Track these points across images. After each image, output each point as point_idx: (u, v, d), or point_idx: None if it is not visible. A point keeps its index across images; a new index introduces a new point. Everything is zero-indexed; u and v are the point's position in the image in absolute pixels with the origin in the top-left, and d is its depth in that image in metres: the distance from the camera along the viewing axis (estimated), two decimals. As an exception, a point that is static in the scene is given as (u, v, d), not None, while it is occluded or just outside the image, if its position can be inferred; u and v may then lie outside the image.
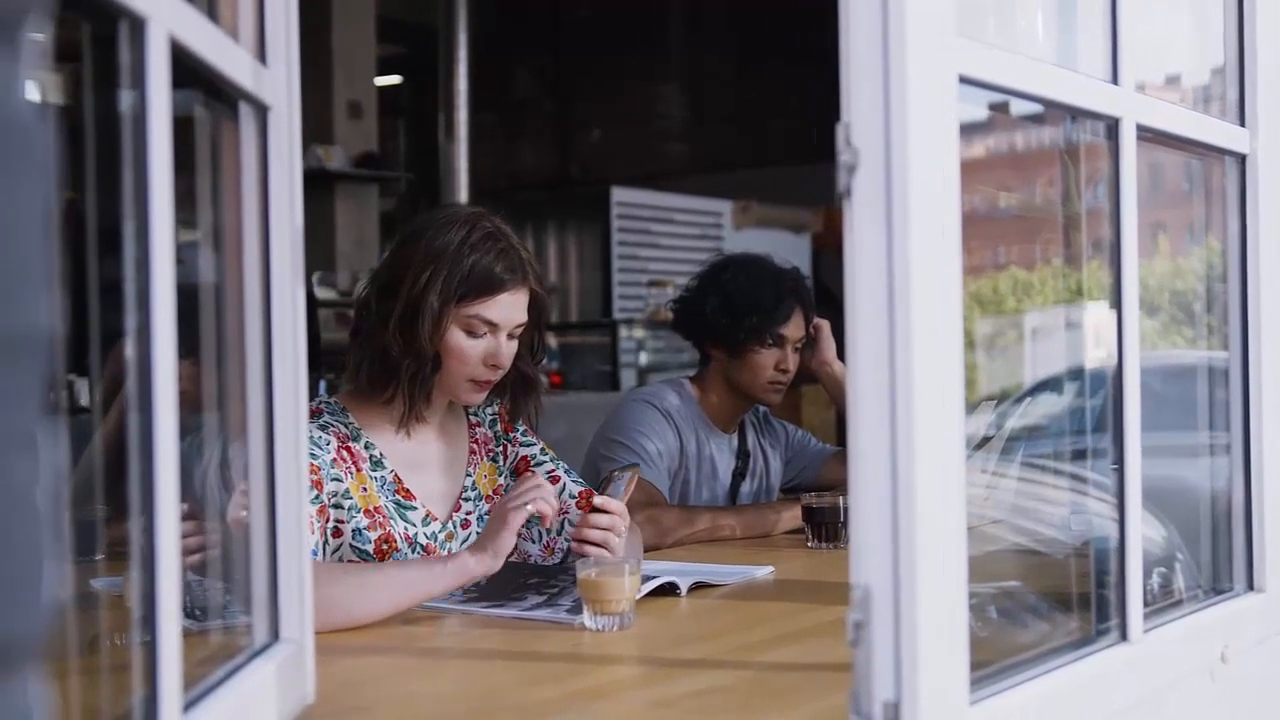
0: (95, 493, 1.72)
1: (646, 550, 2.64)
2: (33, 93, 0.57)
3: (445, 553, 2.22)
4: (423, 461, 2.28)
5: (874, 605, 1.17)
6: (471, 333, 2.18)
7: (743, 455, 3.13)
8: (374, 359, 2.19)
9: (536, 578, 2.11)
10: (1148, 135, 1.57)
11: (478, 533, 2.28)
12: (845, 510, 2.62)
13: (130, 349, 1.01)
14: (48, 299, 0.56)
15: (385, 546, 2.16)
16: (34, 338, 0.55)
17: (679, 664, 1.69)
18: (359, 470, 2.18)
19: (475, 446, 2.36)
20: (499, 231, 2.20)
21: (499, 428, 2.40)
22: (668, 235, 8.29)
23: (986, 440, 2.22)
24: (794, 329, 2.99)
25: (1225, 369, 1.88)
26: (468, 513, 2.31)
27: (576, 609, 1.89)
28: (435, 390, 2.24)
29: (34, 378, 0.55)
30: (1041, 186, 2.11)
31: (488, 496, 2.34)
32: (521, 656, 1.74)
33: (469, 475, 2.34)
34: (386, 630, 1.88)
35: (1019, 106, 1.53)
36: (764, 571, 2.33)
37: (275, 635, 1.36)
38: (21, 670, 0.54)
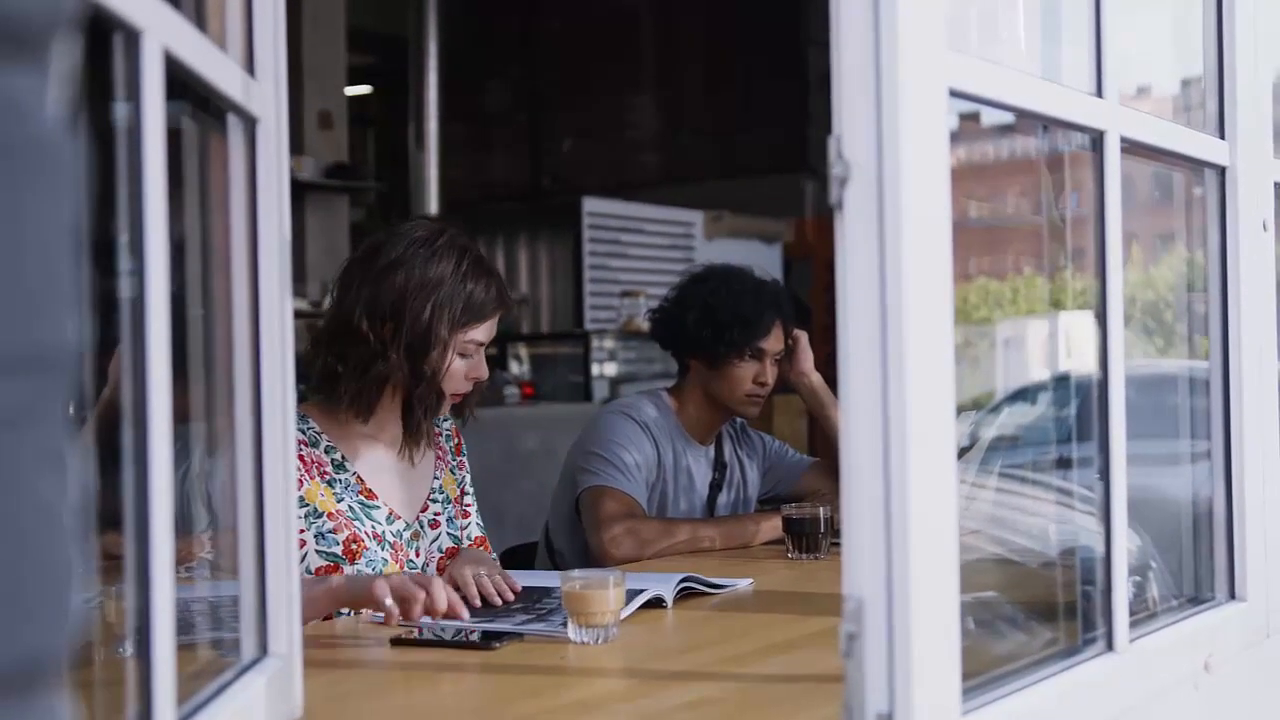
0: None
1: (626, 562, 2.64)
2: (60, 108, 0.56)
3: (413, 552, 2.31)
4: (388, 465, 2.33)
5: (867, 616, 1.17)
6: (464, 355, 2.28)
7: (720, 467, 3.13)
8: (374, 385, 2.24)
9: (521, 601, 2.10)
10: (1130, 147, 1.58)
11: (448, 533, 2.39)
12: (825, 521, 2.63)
13: (124, 361, 1.00)
14: (75, 315, 0.56)
15: (354, 546, 2.21)
16: (62, 354, 0.55)
17: (667, 676, 1.69)
18: (314, 478, 2.22)
19: (440, 452, 2.44)
20: (481, 256, 2.32)
21: (452, 444, 2.49)
22: (639, 245, 8.28)
23: (964, 451, 2.23)
24: (774, 342, 2.99)
25: (1198, 378, 1.89)
26: (435, 513, 2.39)
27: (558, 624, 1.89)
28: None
29: (61, 394, 0.54)
30: (1013, 197, 2.12)
31: (454, 500, 2.43)
32: (507, 670, 1.73)
33: (436, 478, 2.41)
34: (374, 646, 1.87)
35: (990, 117, 1.54)
36: (745, 583, 2.33)
37: (264, 650, 1.35)
38: (51, 686, 0.54)
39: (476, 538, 2.44)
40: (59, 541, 0.54)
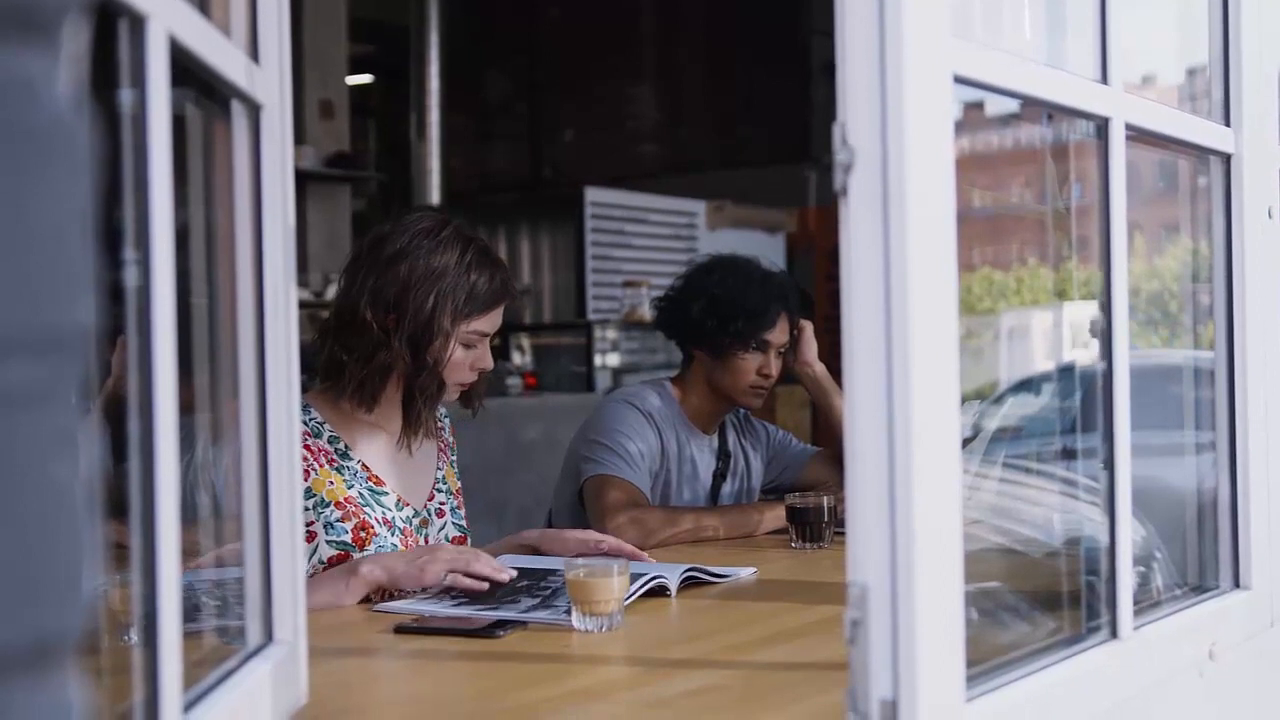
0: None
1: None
2: (72, 89, 0.56)
3: (421, 539, 2.33)
4: (391, 454, 2.35)
5: (871, 603, 1.17)
6: (467, 345, 2.29)
7: (723, 456, 3.12)
8: (377, 374, 2.25)
9: (525, 580, 2.11)
10: (1135, 135, 1.58)
11: (453, 523, 2.41)
12: (829, 510, 2.63)
13: (130, 349, 1.00)
14: (87, 298, 0.56)
15: (363, 534, 2.23)
16: (74, 337, 0.55)
17: (671, 664, 1.69)
18: (322, 466, 2.23)
19: (442, 445, 2.47)
20: (486, 246, 2.32)
21: (451, 441, 2.51)
22: (642, 235, 8.28)
23: (967, 441, 2.23)
24: (779, 334, 2.99)
25: (1202, 368, 1.89)
26: (440, 503, 2.42)
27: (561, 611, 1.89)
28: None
29: (75, 377, 0.55)
30: (1017, 186, 2.12)
31: (455, 493, 2.45)
32: (511, 658, 1.73)
33: (439, 469, 2.43)
34: (379, 633, 1.87)
35: (994, 106, 1.54)
36: (748, 572, 2.34)
37: (269, 636, 1.35)
38: (63, 667, 0.54)
39: (455, 537, 2.44)
40: (72, 523, 0.54)
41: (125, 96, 1.01)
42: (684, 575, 2.17)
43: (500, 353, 7.34)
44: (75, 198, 0.56)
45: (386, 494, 2.29)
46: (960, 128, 1.49)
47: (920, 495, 1.16)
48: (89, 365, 0.57)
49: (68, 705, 0.55)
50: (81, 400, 0.56)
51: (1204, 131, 1.78)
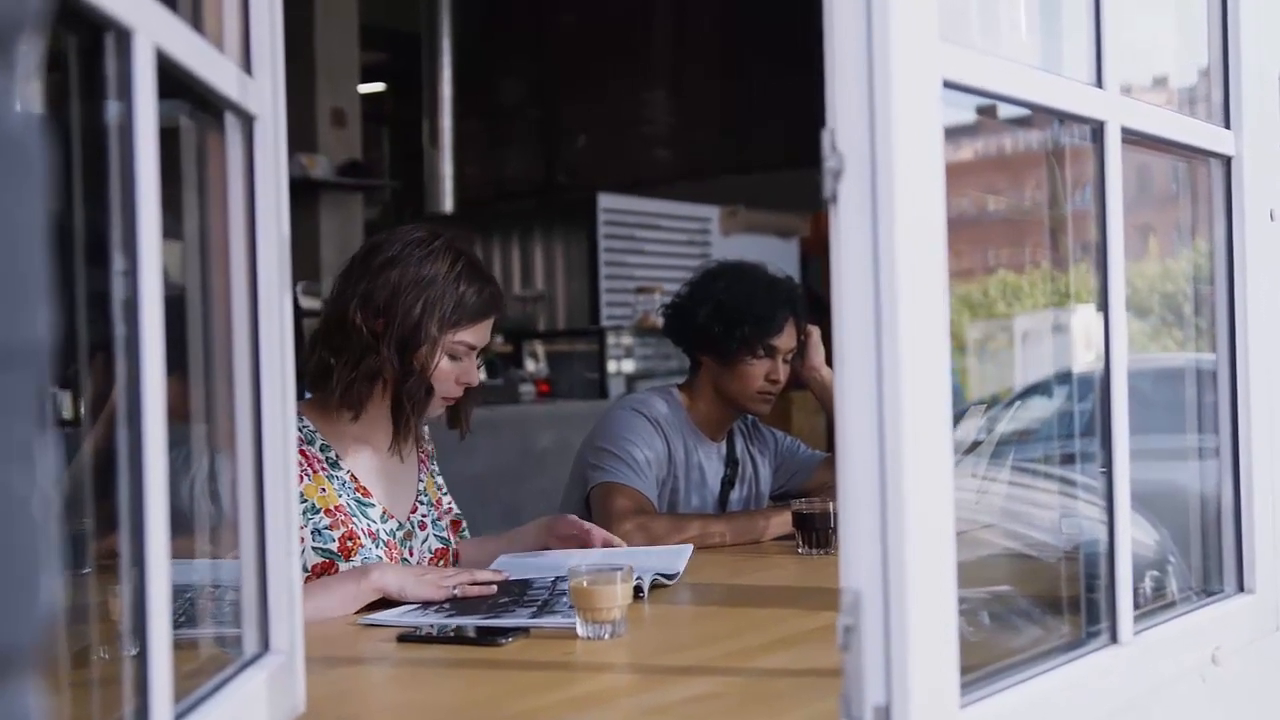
0: (83, 506, 1.72)
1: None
2: (28, 105, 0.57)
3: (406, 551, 2.36)
4: (378, 465, 2.37)
5: (864, 609, 1.17)
6: (453, 357, 2.31)
7: (731, 463, 3.12)
8: (365, 379, 2.27)
9: (506, 597, 2.11)
10: (1133, 138, 1.57)
11: (435, 535, 2.43)
12: (835, 516, 2.62)
13: (118, 361, 1.01)
14: (45, 310, 0.56)
15: (350, 544, 2.25)
16: (32, 349, 0.55)
17: (671, 671, 1.69)
18: (316, 473, 2.26)
19: (423, 457, 2.49)
20: (476, 261, 2.35)
21: (431, 450, 2.54)
22: (655, 241, 8.27)
23: (977, 444, 2.23)
24: (786, 340, 2.99)
25: (1213, 371, 1.88)
26: (423, 515, 2.44)
27: (573, 614, 1.88)
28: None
29: (31, 388, 0.55)
30: (1030, 190, 2.11)
31: (435, 504, 2.47)
32: (512, 665, 1.73)
33: (420, 481, 2.46)
34: (376, 642, 1.88)
35: (1006, 110, 1.54)
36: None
37: (265, 646, 1.36)
38: (20, 678, 0.54)
39: (452, 521, 2.49)
40: (28, 533, 0.55)
41: (113, 110, 1.01)
42: (652, 579, 2.20)
43: (513, 359, 7.34)
44: (32, 213, 0.56)
45: (373, 505, 2.31)
46: (973, 131, 1.49)
47: (912, 500, 1.16)
48: (49, 378, 0.58)
49: (25, 715, 0.55)
50: (42, 411, 0.56)
51: (1204, 134, 1.78)
